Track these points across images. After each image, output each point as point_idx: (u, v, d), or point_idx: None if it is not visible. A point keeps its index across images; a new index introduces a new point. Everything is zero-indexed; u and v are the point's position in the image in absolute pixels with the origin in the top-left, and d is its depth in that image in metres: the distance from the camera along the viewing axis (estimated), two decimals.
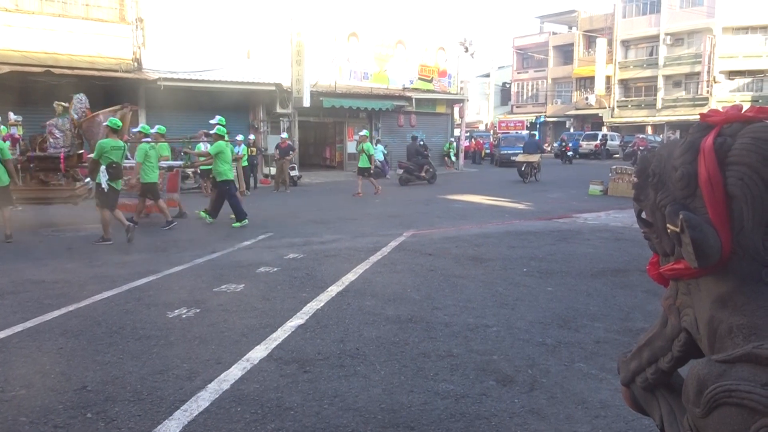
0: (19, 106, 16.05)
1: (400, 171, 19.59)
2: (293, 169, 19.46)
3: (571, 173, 24.32)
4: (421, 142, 23.07)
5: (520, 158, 20.64)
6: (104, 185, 8.63)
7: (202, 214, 10.76)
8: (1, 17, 15.53)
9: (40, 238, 9.30)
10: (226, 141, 10.93)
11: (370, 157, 16.15)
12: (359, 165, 16.27)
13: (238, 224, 10.32)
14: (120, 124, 9.44)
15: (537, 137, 26.56)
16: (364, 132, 16.86)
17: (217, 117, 11.51)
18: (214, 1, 19.44)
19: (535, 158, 20.29)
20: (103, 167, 8.61)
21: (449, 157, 27.88)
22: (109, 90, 17.12)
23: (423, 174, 19.54)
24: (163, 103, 18.24)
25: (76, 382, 3.66)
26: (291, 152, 18.09)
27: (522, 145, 23.36)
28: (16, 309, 5.27)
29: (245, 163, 17.39)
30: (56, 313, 5.10)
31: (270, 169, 20.74)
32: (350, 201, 14.88)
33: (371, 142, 23.25)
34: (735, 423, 0.98)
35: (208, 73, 19.35)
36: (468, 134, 36.41)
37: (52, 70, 15.58)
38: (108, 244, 8.67)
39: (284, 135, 18.52)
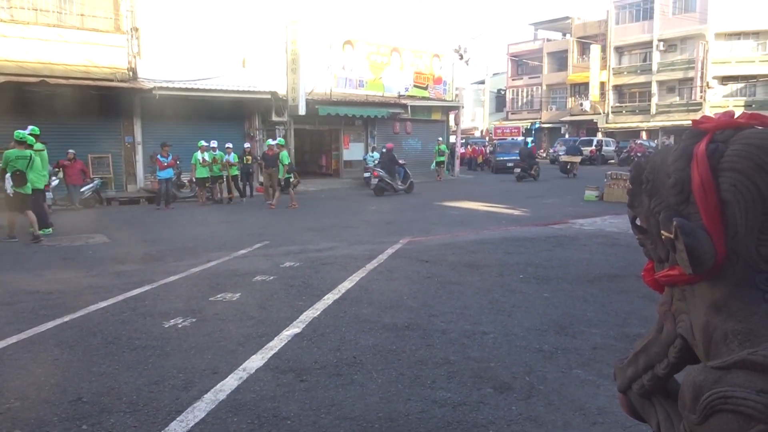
0: (15, 117, 16.07)
1: (517, 170, 23.92)
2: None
3: (568, 179, 24.39)
4: (383, 150, 22.42)
5: (564, 158, 26.65)
6: (9, 191, 9.68)
7: (43, 231, 10.33)
8: None
9: (34, 248, 9.27)
10: (36, 150, 10.57)
11: (285, 166, 15.25)
12: (278, 176, 15.43)
13: (42, 232, 10.21)
14: (23, 135, 9.86)
15: (577, 142, 32.07)
16: (278, 140, 16.01)
17: (30, 127, 11.11)
18: (210, 10, 19.48)
19: (576, 159, 25.89)
20: (8, 175, 9.63)
21: (440, 165, 25.19)
22: (105, 99, 17.14)
23: (532, 172, 23.65)
24: (159, 112, 18.24)
25: (72, 394, 3.64)
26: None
27: (518, 151, 27.81)
28: (11, 320, 5.24)
29: (235, 172, 17.20)
30: (51, 324, 5.07)
31: None
32: (347, 208, 14.88)
33: (370, 152, 23.35)
34: (731, 430, 0.98)
35: (203, 82, 19.36)
36: (464, 141, 36.47)
37: (47, 80, 15.57)
38: (13, 241, 9.70)
39: (270, 141, 17.64)
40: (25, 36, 15.86)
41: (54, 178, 14.64)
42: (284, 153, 15.50)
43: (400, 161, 19.33)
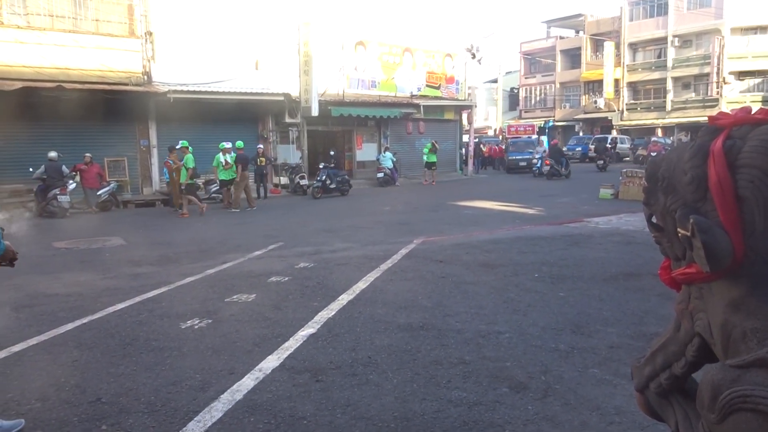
0: (32, 122, 16.31)
1: (600, 162, 28.21)
2: (302, 178, 19.50)
3: (581, 177, 24.23)
4: (331, 153, 21.31)
5: (641, 151, 32.00)
6: None
7: None
8: (13, 34, 15.75)
9: (52, 251, 9.39)
10: None
11: (188, 170, 14.01)
12: (180, 180, 14.21)
13: None
14: None
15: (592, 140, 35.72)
16: (181, 143, 14.56)
17: None
18: (223, 14, 19.63)
19: (645, 152, 30.29)
20: None
21: (431, 166, 22.96)
22: (120, 103, 17.32)
23: (608, 161, 28.69)
24: (173, 115, 18.38)
25: (91, 395, 3.69)
26: (250, 163, 15.86)
27: (594, 146, 32.99)
28: (31, 322, 5.32)
29: (233, 175, 16.59)
30: (70, 326, 5.14)
31: (280, 179, 20.80)
32: (359, 209, 14.89)
33: (383, 152, 23.28)
34: (750, 428, 0.98)
35: (217, 85, 19.49)
36: (476, 140, 36.32)
37: (63, 85, 15.77)
38: None
39: (239, 143, 16.10)
40: (41, 42, 16.08)
41: (71, 181, 14.83)
42: (189, 156, 14.12)
43: (565, 154, 25.84)
